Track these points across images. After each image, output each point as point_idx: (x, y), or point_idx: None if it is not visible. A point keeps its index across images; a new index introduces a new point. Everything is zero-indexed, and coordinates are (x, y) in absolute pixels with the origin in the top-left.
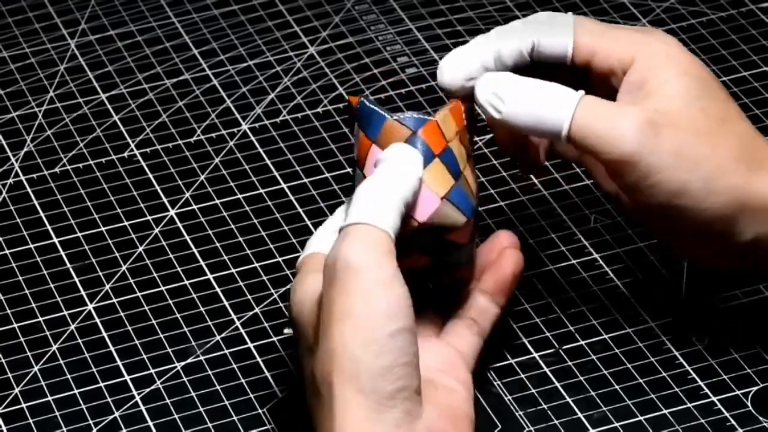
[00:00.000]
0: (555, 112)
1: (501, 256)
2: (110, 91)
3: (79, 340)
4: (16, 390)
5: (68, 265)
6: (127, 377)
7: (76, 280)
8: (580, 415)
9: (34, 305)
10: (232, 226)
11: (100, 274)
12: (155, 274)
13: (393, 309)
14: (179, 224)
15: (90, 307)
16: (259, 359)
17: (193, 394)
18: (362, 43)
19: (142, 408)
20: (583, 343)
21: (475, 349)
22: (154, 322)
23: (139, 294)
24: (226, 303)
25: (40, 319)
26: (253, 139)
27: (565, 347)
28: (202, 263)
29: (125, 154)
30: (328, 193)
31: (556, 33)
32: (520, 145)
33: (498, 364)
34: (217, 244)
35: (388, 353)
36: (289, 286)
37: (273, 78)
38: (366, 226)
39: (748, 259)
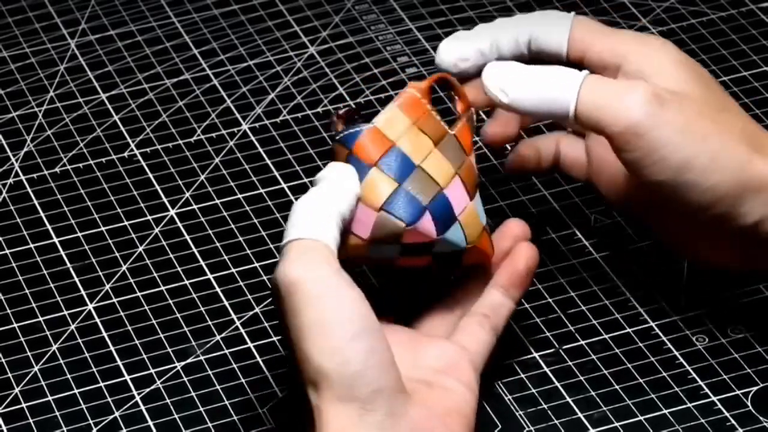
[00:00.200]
0: (561, 91)
1: (514, 249)
2: (110, 91)
3: (79, 340)
4: (16, 390)
5: (68, 265)
6: (127, 377)
7: (76, 280)
8: (580, 415)
9: (34, 305)
10: (232, 226)
11: (100, 274)
12: (155, 274)
13: (346, 314)
14: (179, 224)
15: (90, 307)
16: (259, 359)
17: (193, 394)
18: (362, 43)
19: (142, 408)
20: (583, 343)
21: (486, 346)
22: (154, 322)
23: (139, 294)
24: (226, 303)
25: (40, 319)
26: (253, 139)
27: (565, 347)
28: (202, 263)
29: (125, 154)
30: None
31: (553, 27)
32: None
33: (498, 364)
34: (217, 244)
35: (354, 358)
36: None
37: (273, 78)
38: (302, 240)
39: (749, 252)
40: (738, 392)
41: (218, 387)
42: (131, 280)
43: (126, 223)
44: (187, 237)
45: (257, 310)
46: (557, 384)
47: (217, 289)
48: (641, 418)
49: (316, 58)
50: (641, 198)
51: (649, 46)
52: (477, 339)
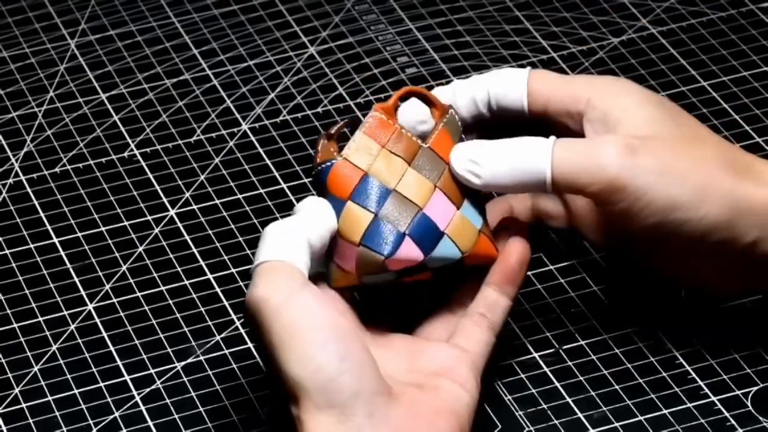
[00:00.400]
0: (533, 163)
1: (506, 245)
2: (110, 91)
3: (79, 340)
4: (16, 390)
5: (68, 265)
6: (127, 377)
7: (76, 280)
8: (580, 415)
9: (34, 305)
10: (232, 226)
11: (100, 274)
12: (155, 274)
13: (314, 323)
14: (179, 224)
15: (90, 307)
16: (259, 359)
17: (193, 394)
18: (362, 43)
19: (142, 408)
20: (583, 343)
21: (484, 346)
22: (154, 322)
23: (139, 294)
24: (226, 303)
25: (40, 319)
26: (253, 139)
27: (565, 347)
28: (202, 263)
29: (125, 154)
30: None
31: (510, 84)
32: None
33: (498, 364)
34: (217, 244)
35: (327, 365)
36: None
37: (273, 78)
38: (268, 262)
39: (749, 275)
40: (738, 392)
41: (218, 387)
42: (131, 280)
43: (126, 223)
44: (187, 237)
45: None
46: (557, 384)
47: (217, 289)
48: (641, 418)
49: (316, 58)
50: (631, 238)
51: (611, 89)
52: (475, 339)
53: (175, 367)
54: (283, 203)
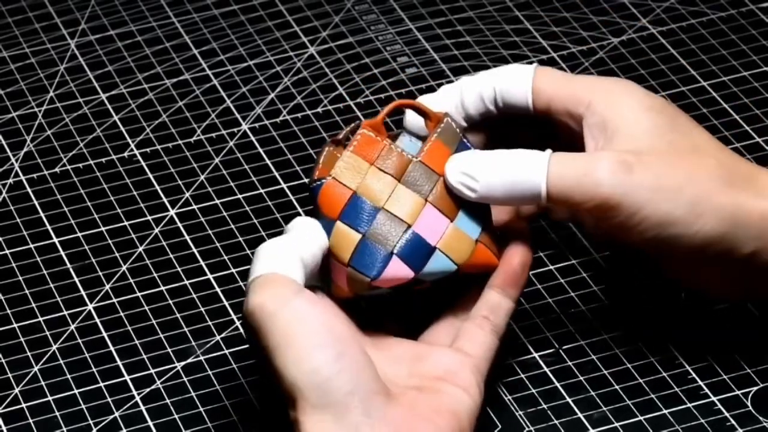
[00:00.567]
0: (529, 177)
1: (508, 247)
2: (110, 91)
3: (79, 340)
4: (16, 390)
5: (68, 265)
6: (127, 377)
7: (76, 280)
8: (580, 415)
9: (34, 305)
10: (232, 226)
11: (100, 274)
12: (155, 274)
13: (310, 325)
14: (179, 224)
15: (90, 307)
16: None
17: (193, 394)
18: (362, 43)
19: (142, 408)
20: (583, 343)
21: (488, 349)
22: (154, 322)
23: (139, 294)
24: (226, 303)
25: (40, 319)
26: (253, 139)
27: (565, 347)
28: (202, 263)
29: (125, 154)
30: None
31: (516, 80)
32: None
33: (498, 364)
34: (217, 244)
35: (323, 366)
36: None
37: (273, 78)
38: (263, 275)
39: (749, 283)
40: (738, 392)
41: (218, 387)
42: (131, 280)
43: (126, 223)
44: (187, 237)
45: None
46: (557, 384)
47: (217, 289)
48: (641, 418)
49: (316, 58)
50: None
51: (612, 94)
52: (478, 342)
53: (175, 367)
54: (283, 203)
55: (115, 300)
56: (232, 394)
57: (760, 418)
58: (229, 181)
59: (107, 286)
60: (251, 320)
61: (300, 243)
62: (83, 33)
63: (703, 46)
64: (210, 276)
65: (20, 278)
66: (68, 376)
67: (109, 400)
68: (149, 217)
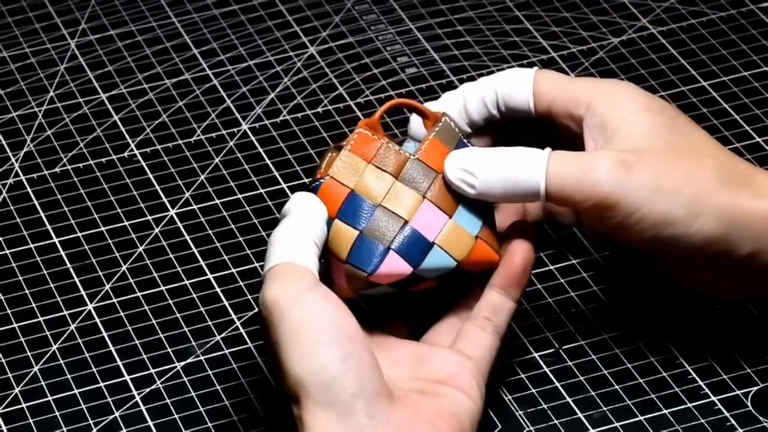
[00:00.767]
0: (528, 174)
1: (509, 247)
2: (110, 91)
3: (79, 340)
4: (16, 390)
5: (68, 265)
6: (127, 377)
7: (76, 280)
8: (580, 415)
9: (34, 305)
10: (232, 226)
11: (100, 274)
12: (155, 274)
13: (320, 323)
14: (179, 224)
15: (90, 307)
16: (259, 359)
17: (193, 394)
18: (362, 43)
19: (142, 408)
20: (583, 343)
21: (488, 350)
22: (154, 322)
23: (139, 294)
24: (226, 303)
25: (40, 319)
26: (253, 139)
27: (565, 347)
28: (202, 263)
29: (125, 154)
30: None
31: (517, 83)
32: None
33: (498, 364)
34: (217, 244)
35: (330, 365)
36: None
37: (273, 78)
38: (278, 266)
39: (748, 284)
40: (738, 392)
41: (218, 387)
42: (131, 280)
43: (126, 223)
44: (187, 237)
45: (257, 310)
46: (557, 384)
47: (217, 289)
48: (641, 418)
49: (316, 58)
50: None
51: (612, 95)
52: (479, 344)
53: (175, 367)
54: (283, 203)
55: (115, 300)
56: (232, 394)
57: (760, 418)
58: (229, 181)
59: (107, 286)
60: (264, 311)
61: (309, 223)
62: (83, 33)
63: (703, 46)
64: (210, 276)
65: (20, 278)
66: (68, 376)
67: (109, 400)
68: (149, 217)
